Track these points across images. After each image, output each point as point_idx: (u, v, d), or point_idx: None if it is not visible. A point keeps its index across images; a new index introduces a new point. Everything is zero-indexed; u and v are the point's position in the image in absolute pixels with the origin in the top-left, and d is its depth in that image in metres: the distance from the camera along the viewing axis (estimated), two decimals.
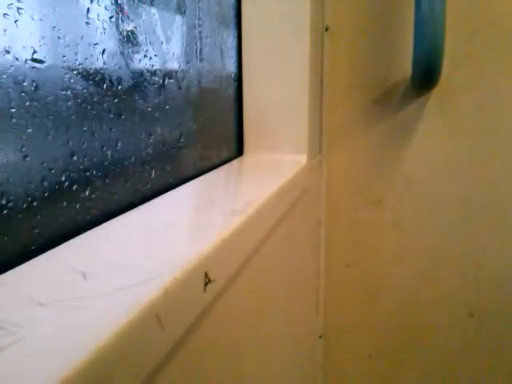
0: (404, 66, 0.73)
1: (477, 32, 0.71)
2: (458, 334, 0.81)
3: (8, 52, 0.27)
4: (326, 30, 0.77)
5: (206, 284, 0.31)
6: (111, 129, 0.38)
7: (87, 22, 0.34)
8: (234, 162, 0.62)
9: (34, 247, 0.29)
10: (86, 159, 0.35)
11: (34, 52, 0.29)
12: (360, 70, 0.76)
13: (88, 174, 0.35)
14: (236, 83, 0.65)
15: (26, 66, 0.28)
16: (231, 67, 0.64)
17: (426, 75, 0.66)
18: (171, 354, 0.27)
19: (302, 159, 0.62)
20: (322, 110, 0.76)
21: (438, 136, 0.76)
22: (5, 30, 0.27)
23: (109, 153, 0.37)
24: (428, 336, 0.83)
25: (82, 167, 0.34)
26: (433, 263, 0.80)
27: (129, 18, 0.39)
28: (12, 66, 0.27)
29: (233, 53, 0.64)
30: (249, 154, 0.66)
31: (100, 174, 0.36)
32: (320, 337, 0.88)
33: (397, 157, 0.78)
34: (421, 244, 0.80)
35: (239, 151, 0.67)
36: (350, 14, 0.75)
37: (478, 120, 0.74)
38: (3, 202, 0.27)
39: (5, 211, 0.27)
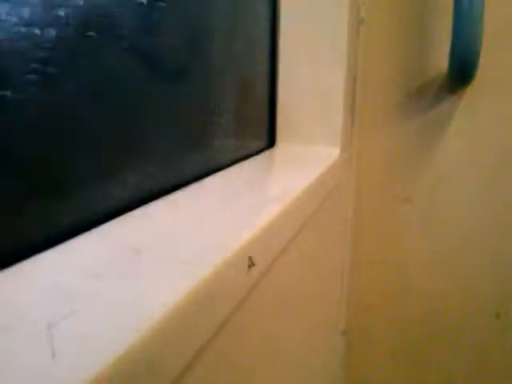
0: (439, 61, 0.72)
1: None
2: (484, 335, 0.80)
3: None
4: (361, 22, 0.76)
5: (249, 267, 0.31)
6: (154, 116, 0.38)
7: None
8: (267, 153, 0.62)
9: (84, 223, 0.30)
10: (131, 142, 0.35)
11: None
12: (394, 63, 0.75)
13: (133, 155, 0.36)
14: (270, 74, 0.65)
15: None
16: (267, 58, 0.64)
17: (463, 70, 0.65)
18: (217, 333, 0.27)
19: (335, 152, 0.62)
20: (355, 104, 0.75)
21: (471, 134, 0.74)
22: None
23: (150, 138, 0.38)
24: (453, 336, 0.82)
25: (126, 149, 0.35)
26: (461, 262, 0.79)
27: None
28: None
29: (268, 43, 0.64)
30: (281, 145, 0.66)
31: (144, 156, 0.37)
32: (343, 333, 0.88)
33: (428, 154, 0.77)
34: (449, 243, 0.79)
35: (271, 142, 0.67)
36: (385, 6, 0.74)
37: (511, 119, 0.72)
38: (54, 177, 0.28)
39: (54, 188, 0.28)
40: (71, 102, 0.29)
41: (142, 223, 0.32)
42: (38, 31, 0.25)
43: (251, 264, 0.31)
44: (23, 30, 0.24)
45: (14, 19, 0.23)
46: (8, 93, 0.24)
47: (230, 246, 0.29)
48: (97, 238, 0.29)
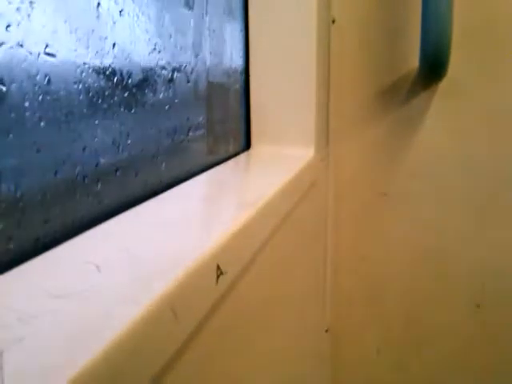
0: (411, 58, 0.73)
1: (486, 25, 0.70)
2: (466, 326, 0.81)
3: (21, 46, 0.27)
4: (333, 22, 0.76)
5: (218, 276, 0.31)
6: (121, 122, 0.38)
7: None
8: (242, 156, 0.62)
9: (47, 240, 0.29)
10: (97, 153, 0.35)
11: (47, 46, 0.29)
12: (366, 62, 0.75)
13: (99, 167, 0.35)
14: (243, 76, 0.65)
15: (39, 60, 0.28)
16: (238, 60, 0.64)
17: (433, 67, 0.65)
18: (185, 345, 0.27)
19: (310, 152, 0.62)
20: (329, 103, 0.75)
21: (445, 128, 0.75)
22: (18, 24, 0.27)
23: (120, 147, 0.37)
24: (436, 329, 0.83)
25: (93, 161, 0.34)
26: (440, 255, 0.80)
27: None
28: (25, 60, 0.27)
29: (240, 46, 0.63)
30: (256, 148, 0.66)
31: (111, 167, 0.36)
32: (326, 331, 0.88)
33: (404, 149, 0.78)
34: (428, 237, 0.80)
35: (247, 145, 0.67)
36: (357, 6, 0.75)
37: (484, 113, 0.73)
38: (16, 194, 0.27)
39: (18, 204, 0.27)
40: None
41: (107, 236, 0.32)
42: None
43: (220, 273, 0.31)
44: None
45: None
46: None
47: (195, 255, 0.29)
48: (61, 255, 0.28)
